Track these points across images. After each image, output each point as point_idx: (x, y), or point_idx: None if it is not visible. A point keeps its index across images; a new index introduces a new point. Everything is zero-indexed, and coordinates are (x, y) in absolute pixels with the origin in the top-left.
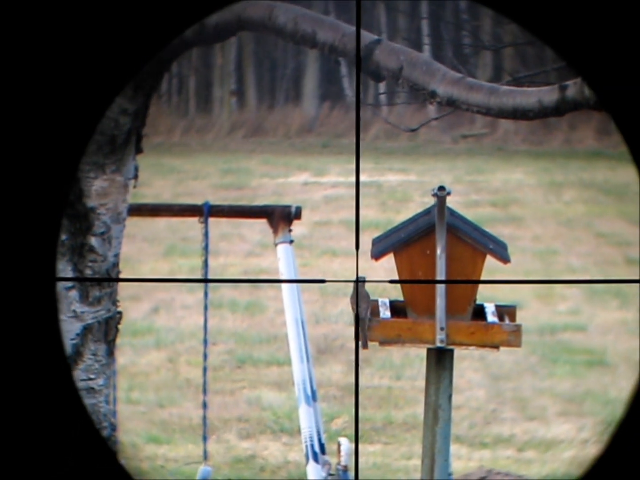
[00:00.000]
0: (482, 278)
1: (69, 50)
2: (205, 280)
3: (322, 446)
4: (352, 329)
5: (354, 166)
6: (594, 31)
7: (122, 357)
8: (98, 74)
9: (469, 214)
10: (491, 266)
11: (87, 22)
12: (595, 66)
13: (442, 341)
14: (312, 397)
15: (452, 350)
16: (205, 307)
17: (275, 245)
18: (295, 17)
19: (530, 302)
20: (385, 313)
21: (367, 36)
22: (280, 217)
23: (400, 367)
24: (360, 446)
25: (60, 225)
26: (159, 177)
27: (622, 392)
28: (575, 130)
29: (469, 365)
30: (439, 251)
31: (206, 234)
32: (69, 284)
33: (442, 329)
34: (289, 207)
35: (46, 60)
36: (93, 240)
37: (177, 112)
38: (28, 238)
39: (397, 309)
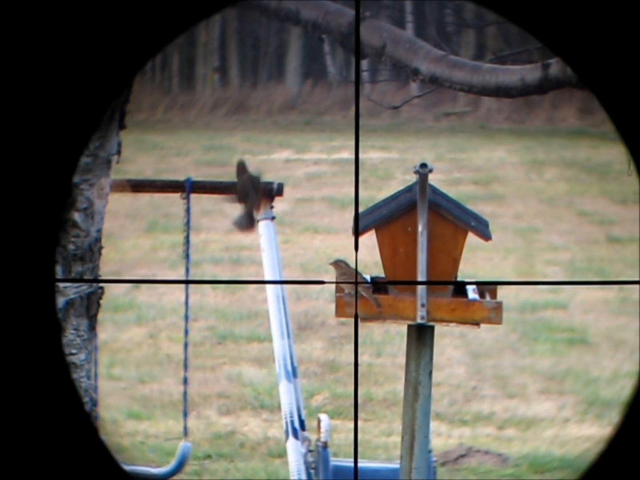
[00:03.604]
0: (464, 255)
1: (69, 51)
2: (187, 282)
3: (302, 422)
4: (333, 306)
5: (335, 143)
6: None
7: (104, 333)
8: (96, 76)
9: (450, 191)
10: (472, 243)
11: (87, 22)
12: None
13: (422, 318)
14: (293, 374)
15: (432, 327)
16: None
17: (257, 221)
18: None
19: (511, 280)
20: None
21: (350, 13)
22: (262, 193)
23: (381, 344)
24: (339, 422)
25: (59, 227)
26: (141, 153)
27: (603, 371)
28: (557, 109)
29: (450, 343)
30: (420, 228)
31: (188, 210)
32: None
33: (423, 305)
34: (270, 183)
35: (47, 60)
36: (76, 216)
37: (160, 89)
38: (27, 240)
39: (378, 285)
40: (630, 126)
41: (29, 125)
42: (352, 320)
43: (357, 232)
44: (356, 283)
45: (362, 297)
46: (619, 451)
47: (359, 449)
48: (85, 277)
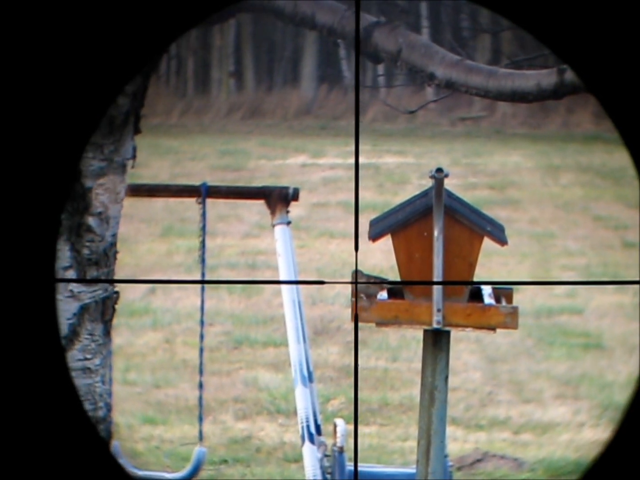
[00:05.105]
0: (479, 260)
1: (71, 49)
2: (202, 282)
3: (318, 427)
4: (349, 311)
5: (351, 148)
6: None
7: (119, 338)
8: (98, 76)
9: (466, 196)
10: (488, 248)
11: (88, 22)
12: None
13: (438, 322)
14: (309, 378)
15: (448, 332)
16: (203, 288)
17: (273, 226)
18: None
19: (527, 285)
20: (382, 294)
21: (366, 18)
22: (278, 198)
23: (397, 349)
24: None
25: (59, 227)
26: (156, 157)
27: (618, 376)
28: (573, 114)
29: (465, 347)
30: (436, 233)
31: (204, 215)
32: (66, 263)
33: (438, 310)
34: (286, 188)
35: (50, 58)
36: (91, 220)
37: (175, 93)
38: (28, 239)
39: (394, 290)
40: (634, 133)
41: (29, 123)
42: (369, 325)
43: (357, 232)
44: (356, 283)
45: (377, 302)
46: (618, 453)
47: (375, 454)
48: (94, 271)
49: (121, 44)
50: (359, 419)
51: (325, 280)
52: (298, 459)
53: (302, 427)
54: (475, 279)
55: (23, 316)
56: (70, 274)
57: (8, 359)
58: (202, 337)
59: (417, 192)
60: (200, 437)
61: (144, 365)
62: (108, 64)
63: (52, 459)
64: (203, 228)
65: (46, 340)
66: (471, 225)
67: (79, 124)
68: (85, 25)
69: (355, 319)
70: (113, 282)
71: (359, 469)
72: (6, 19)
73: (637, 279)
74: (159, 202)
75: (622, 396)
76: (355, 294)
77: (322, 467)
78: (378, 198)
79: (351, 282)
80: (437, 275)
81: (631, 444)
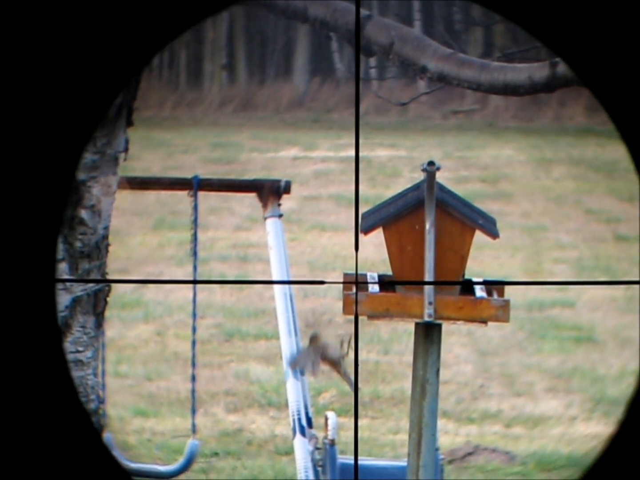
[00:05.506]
0: (471, 253)
1: (72, 46)
2: (195, 282)
3: (309, 420)
4: (341, 304)
5: (343, 141)
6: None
7: (111, 330)
8: (98, 72)
9: (458, 189)
10: (480, 241)
11: (90, 17)
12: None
13: (430, 315)
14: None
15: (440, 325)
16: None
17: (265, 219)
18: None
19: (518, 278)
20: (373, 287)
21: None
22: (270, 191)
23: (388, 342)
24: (346, 420)
25: (60, 227)
26: (149, 150)
27: (610, 369)
28: (565, 107)
29: (457, 341)
30: (427, 226)
31: (195, 208)
32: (59, 256)
33: (430, 303)
34: (278, 181)
35: (51, 55)
36: (83, 213)
37: (167, 86)
38: (28, 239)
39: (385, 282)
40: (630, 126)
41: (30, 122)
42: (361, 318)
43: (357, 234)
44: (357, 283)
45: (369, 294)
46: (620, 450)
47: (366, 446)
48: (92, 275)
49: (120, 45)
50: (350, 412)
51: (326, 281)
52: (289, 452)
53: (294, 420)
54: (466, 272)
55: (23, 316)
56: (63, 266)
57: (7, 359)
58: (194, 329)
59: (408, 185)
60: (194, 429)
61: (136, 358)
62: (107, 62)
63: (46, 451)
64: (195, 221)
65: (46, 339)
66: (463, 219)
67: (78, 126)
68: (84, 26)
69: (355, 319)
70: (111, 282)
71: (350, 461)
72: (5, 19)
73: (635, 278)
74: (151, 195)
75: (614, 389)
76: (356, 294)
77: (313, 460)
78: (370, 191)
79: (351, 282)
80: (429, 269)
81: (632, 442)
